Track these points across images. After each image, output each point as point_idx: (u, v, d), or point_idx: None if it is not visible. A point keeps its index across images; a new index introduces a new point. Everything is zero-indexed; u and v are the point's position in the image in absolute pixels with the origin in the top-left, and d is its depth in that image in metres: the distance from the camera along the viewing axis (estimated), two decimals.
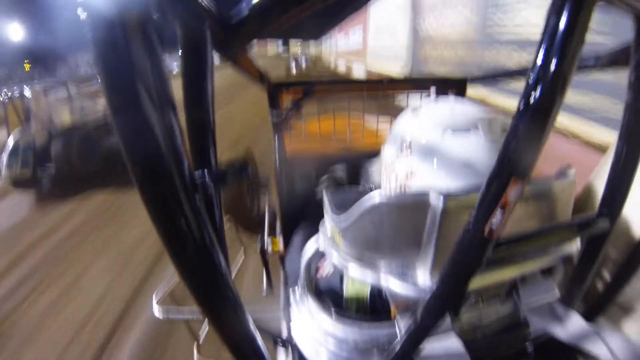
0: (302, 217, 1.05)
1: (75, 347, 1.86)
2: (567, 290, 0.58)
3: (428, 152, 0.53)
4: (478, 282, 0.45)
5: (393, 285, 0.47)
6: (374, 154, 1.06)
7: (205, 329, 1.23)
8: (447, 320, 0.50)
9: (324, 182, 1.25)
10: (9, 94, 3.83)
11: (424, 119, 0.57)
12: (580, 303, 0.58)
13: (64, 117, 4.07)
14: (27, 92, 3.83)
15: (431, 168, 0.53)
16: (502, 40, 3.64)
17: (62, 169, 3.81)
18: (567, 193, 0.50)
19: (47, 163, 3.78)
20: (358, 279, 0.55)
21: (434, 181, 0.51)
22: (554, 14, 0.27)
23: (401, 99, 1.42)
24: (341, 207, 0.52)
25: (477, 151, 0.50)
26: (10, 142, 3.70)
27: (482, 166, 0.49)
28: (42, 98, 3.90)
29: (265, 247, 1.48)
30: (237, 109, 7.51)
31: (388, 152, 0.61)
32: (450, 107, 0.57)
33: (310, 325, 0.57)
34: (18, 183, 3.76)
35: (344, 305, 0.59)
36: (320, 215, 0.59)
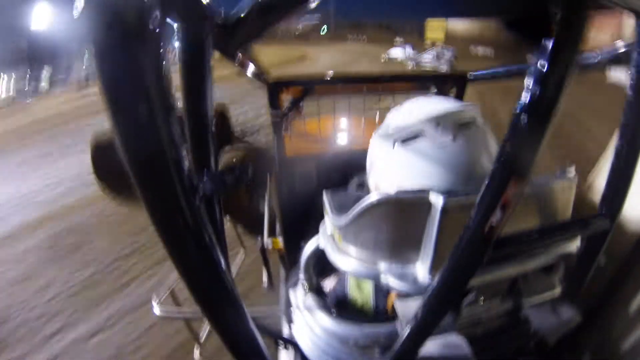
0: (303, 217, 1.05)
1: None
2: (568, 288, 0.58)
3: (385, 166, 0.55)
4: (479, 280, 0.45)
5: (393, 284, 0.47)
6: None
7: (206, 329, 1.23)
8: (449, 318, 0.50)
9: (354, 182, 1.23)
10: None
11: (383, 132, 0.58)
12: (581, 301, 0.58)
13: None
14: None
15: (389, 180, 0.54)
16: None
17: None
18: (568, 192, 0.50)
19: None
20: (360, 279, 0.55)
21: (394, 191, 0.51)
22: (554, 14, 0.27)
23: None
24: (341, 207, 0.52)
25: (425, 156, 0.50)
26: None
27: (433, 168, 0.50)
28: None
29: (266, 246, 1.48)
30: None
31: (367, 165, 0.62)
32: (407, 114, 0.57)
33: (311, 325, 0.57)
34: None
35: (347, 304, 0.59)
36: (321, 215, 0.59)
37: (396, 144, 0.53)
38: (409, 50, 12.19)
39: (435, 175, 0.49)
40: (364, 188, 0.79)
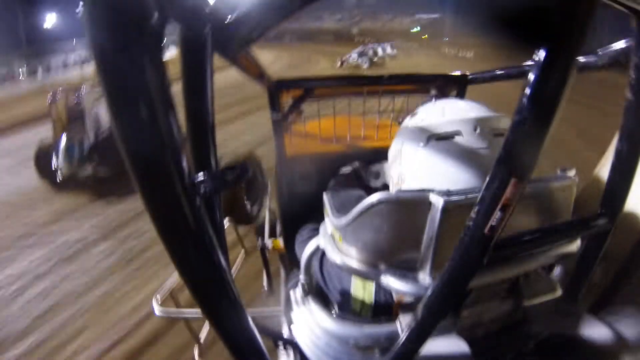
0: (303, 217, 1.05)
1: None
2: (569, 288, 0.58)
3: (414, 159, 0.54)
4: (479, 281, 0.45)
5: (394, 284, 0.47)
6: (375, 153, 1.06)
7: (206, 329, 1.23)
8: (449, 319, 0.50)
9: (334, 181, 1.24)
10: (56, 94, 3.89)
11: (414, 125, 0.57)
12: (583, 301, 0.58)
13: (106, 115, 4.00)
14: (83, 91, 3.91)
15: (417, 175, 0.53)
16: None
17: (120, 166, 3.78)
18: (568, 193, 0.50)
19: (99, 161, 3.77)
20: (362, 279, 0.55)
21: (420, 187, 0.51)
22: (555, 14, 0.27)
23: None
24: (341, 208, 0.52)
25: (459, 157, 0.50)
26: (64, 141, 3.70)
27: (464, 171, 0.49)
28: (92, 96, 3.90)
29: (266, 247, 1.48)
30: None
31: (390, 155, 0.62)
32: (440, 112, 0.56)
33: (311, 325, 0.57)
34: (76, 179, 3.74)
35: (349, 305, 0.59)
36: (321, 215, 0.59)
37: (430, 140, 0.52)
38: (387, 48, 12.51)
39: (463, 177, 0.49)
40: (379, 178, 0.78)
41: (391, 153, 0.61)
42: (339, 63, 11.84)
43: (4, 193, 3.87)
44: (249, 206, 2.46)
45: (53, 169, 3.67)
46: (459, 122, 0.52)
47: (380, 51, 12.05)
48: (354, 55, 11.81)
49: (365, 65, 11.47)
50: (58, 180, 3.70)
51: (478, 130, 0.51)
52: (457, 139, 0.51)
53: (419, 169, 0.53)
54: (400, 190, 0.54)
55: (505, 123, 0.53)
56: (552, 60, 0.28)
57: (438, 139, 0.52)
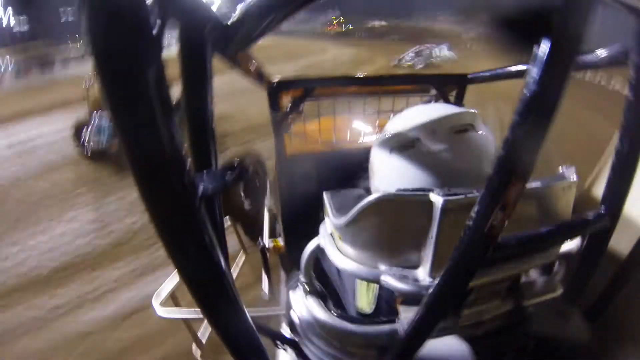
0: (303, 217, 1.05)
1: None
2: (569, 288, 0.58)
3: (382, 173, 0.56)
4: (479, 280, 0.45)
5: (394, 284, 0.47)
6: None
7: (206, 329, 1.23)
8: (449, 318, 0.50)
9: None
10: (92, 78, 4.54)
11: (379, 138, 0.59)
12: (583, 300, 0.58)
13: None
14: None
15: (388, 187, 0.54)
16: None
17: None
18: (568, 192, 0.50)
19: None
20: (363, 280, 0.55)
21: None
22: (554, 14, 0.27)
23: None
24: (341, 207, 0.52)
25: (420, 164, 0.51)
26: (96, 119, 4.32)
27: (427, 177, 0.50)
28: None
29: (266, 247, 1.48)
30: None
31: (369, 169, 0.63)
32: (404, 121, 0.57)
33: (311, 325, 0.57)
34: (101, 154, 4.28)
35: (354, 305, 0.59)
36: (322, 215, 0.59)
37: (393, 150, 0.53)
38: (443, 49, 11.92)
39: (430, 181, 0.50)
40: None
41: (369, 168, 0.63)
42: (394, 62, 11.40)
43: None
44: (247, 203, 2.47)
45: (83, 143, 4.38)
46: (417, 128, 0.53)
47: (435, 52, 11.60)
48: (411, 55, 11.41)
49: (419, 66, 11.03)
50: (87, 153, 4.36)
51: (435, 133, 0.51)
52: (417, 145, 0.52)
53: (387, 182, 0.55)
54: (400, 189, 0.54)
55: (467, 117, 0.54)
56: (552, 57, 0.28)
57: (399, 150, 0.53)
